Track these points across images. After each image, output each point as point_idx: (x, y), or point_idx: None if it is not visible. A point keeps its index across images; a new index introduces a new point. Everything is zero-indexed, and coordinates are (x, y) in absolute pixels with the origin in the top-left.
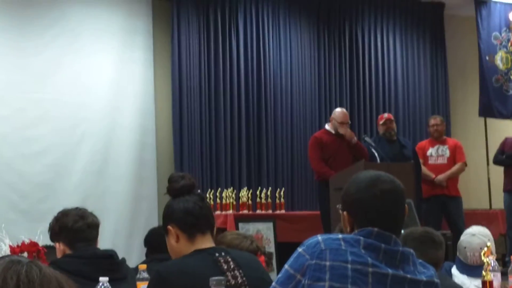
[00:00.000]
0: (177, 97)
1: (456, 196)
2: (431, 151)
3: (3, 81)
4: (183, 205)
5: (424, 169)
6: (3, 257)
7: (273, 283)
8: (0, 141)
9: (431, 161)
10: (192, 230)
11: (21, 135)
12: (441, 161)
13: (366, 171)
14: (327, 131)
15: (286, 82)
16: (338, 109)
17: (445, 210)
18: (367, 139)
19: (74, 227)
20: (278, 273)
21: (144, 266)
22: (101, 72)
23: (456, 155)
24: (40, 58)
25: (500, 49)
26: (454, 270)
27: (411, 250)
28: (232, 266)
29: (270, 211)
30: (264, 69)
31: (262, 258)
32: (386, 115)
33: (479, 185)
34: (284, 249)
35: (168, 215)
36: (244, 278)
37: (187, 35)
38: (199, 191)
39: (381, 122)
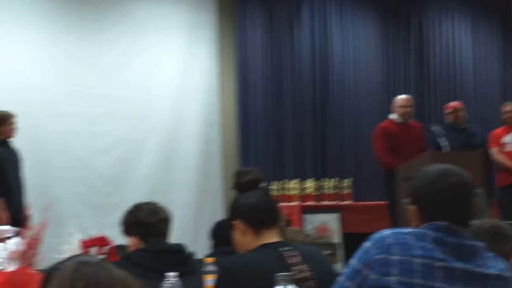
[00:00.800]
0: (242, 90)
1: None
2: (506, 138)
3: (73, 78)
4: (249, 200)
5: (500, 157)
6: (72, 258)
7: (340, 278)
8: (72, 136)
9: (507, 149)
10: (259, 225)
11: (91, 131)
12: None
13: (434, 164)
14: (392, 121)
15: (351, 73)
16: (399, 96)
17: None
18: (434, 128)
19: (147, 221)
20: (344, 264)
21: (210, 259)
22: (167, 68)
23: None
24: (109, 55)
25: None
26: None
27: (482, 244)
28: (298, 261)
29: (335, 202)
30: (329, 60)
31: None
32: (455, 103)
33: None
34: (351, 240)
35: (235, 210)
36: (312, 272)
37: (251, 28)
38: (265, 184)
39: (449, 111)
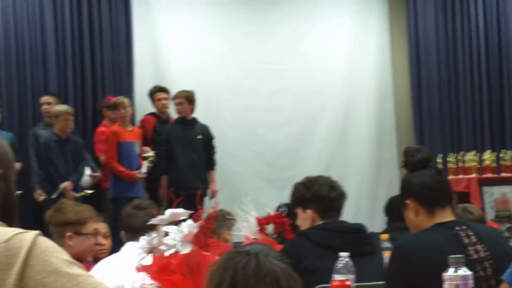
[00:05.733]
0: (415, 62)
1: None
2: None
3: (247, 54)
4: (421, 179)
5: None
6: (240, 247)
7: None
8: (247, 111)
9: None
10: (432, 204)
11: (265, 105)
12: None
13: None
14: None
15: None
16: None
17: None
18: None
19: (329, 196)
20: None
21: (386, 236)
22: (339, 40)
23: None
24: (280, 30)
25: None
26: None
27: None
28: (474, 240)
29: None
30: (505, 29)
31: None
32: None
33: None
34: None
35: (406, 190)
36: (487, 253)
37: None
38: (438, 160)
39: None
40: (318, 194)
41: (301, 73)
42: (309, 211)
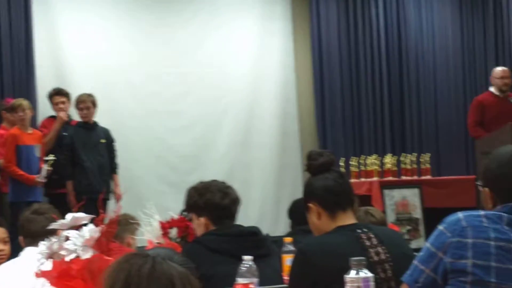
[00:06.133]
0: (318, 66)
1: None
2: None
3: (150, 57)
4: (323, 182)
5: None
6: (141, 251)
7: (415, 261)
8: (150, 116)
9: None
10: (334, 207)
11: (168, 110)
12: None
13: (507, 145)
14: (491, 93)
15: (428, 46)
16: (496, 68)
17: None
18: None
19: (222, 204)
20: (426, 239)
21: (289, 239)
22: (242, 44)
23: None
24: (184, 33)
25: None
26: None
27: None
28: (375, 243)
29: (415, 177)
30: (405, 34)
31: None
32: None
33: None
34: (431, 215)
35: (309, 193)
36: (387, 255)
37: (325, 3)
38: (341, 164)
39: None
40: (210, 202)
41: (204, 77)
42: (202, 219)
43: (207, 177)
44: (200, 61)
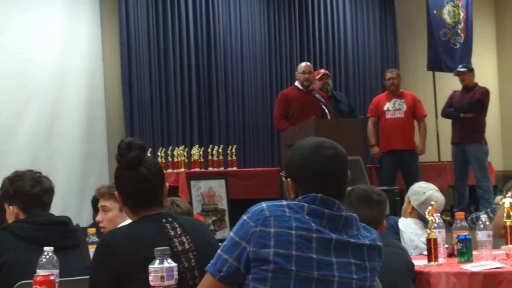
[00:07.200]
0: (126, 55)
1: (412, 149)
2: (388, 105)
3: None
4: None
5: (369, 131)
6: None
7: (219, 251)
8: None
9: (388, 116)
10: (139, 207)
11: None
12: (398, 115)
13: (310, 137)
14: (295, 87)
15: (236, 41)
16: (301, 63)
17: (401, 164)
18: (317, 95)
19: (32, 192)
20: (231, 229)
21: (93, 230)
22: (48, 31)
23: (416, 110)
24: None
25: (447, 2)
26: (402, 224)
27: (354, 215)
28: (179, 232)
29: (222, 169)
30: (213, 27)
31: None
32: (322, 70)
33: (428, 138)
34: (237, 206)
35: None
36: (191, 244)
37: None
38: (148, 154)
39: (317, 77)
40: (20, 190)
41: (6, 64)
42: (12, 207)
43: (10, 167)
44: (2, 46)
